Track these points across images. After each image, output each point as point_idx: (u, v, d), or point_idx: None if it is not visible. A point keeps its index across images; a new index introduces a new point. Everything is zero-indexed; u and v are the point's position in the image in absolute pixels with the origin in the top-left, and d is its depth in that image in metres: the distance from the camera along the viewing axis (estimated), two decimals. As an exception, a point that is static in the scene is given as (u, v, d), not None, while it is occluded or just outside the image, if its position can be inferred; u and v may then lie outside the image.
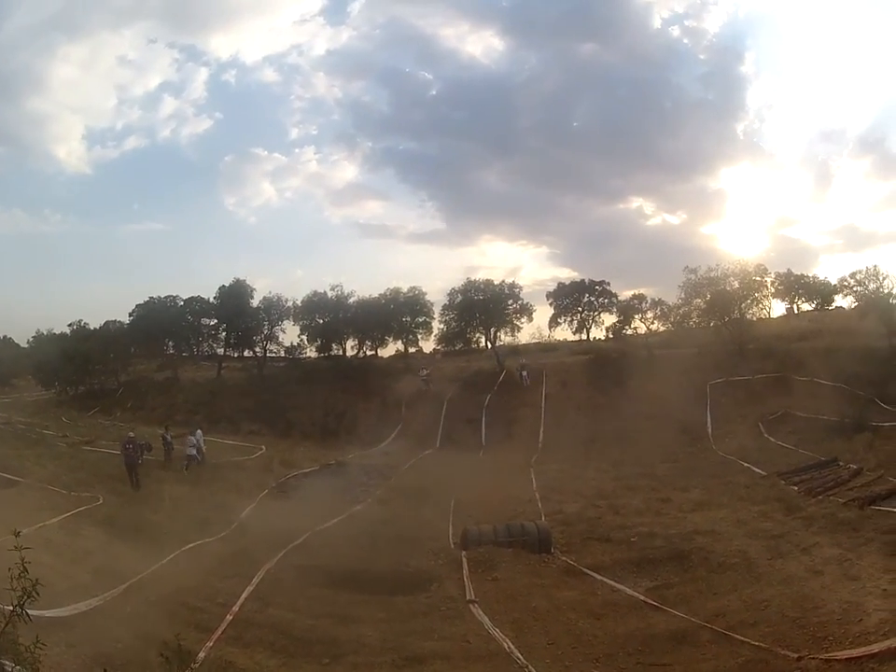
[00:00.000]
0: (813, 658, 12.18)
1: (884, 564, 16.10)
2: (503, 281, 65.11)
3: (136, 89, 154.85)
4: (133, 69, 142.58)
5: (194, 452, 35.13)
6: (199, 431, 37.06)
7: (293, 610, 16.52)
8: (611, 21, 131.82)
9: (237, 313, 66.09)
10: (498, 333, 64.29)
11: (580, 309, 67.91)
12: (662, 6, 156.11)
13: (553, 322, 67.92)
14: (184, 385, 63.74)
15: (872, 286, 51.31)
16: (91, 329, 69.73)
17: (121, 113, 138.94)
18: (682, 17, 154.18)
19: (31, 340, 72.74)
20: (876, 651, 11.65)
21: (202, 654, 13.03)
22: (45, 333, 71.08)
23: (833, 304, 65.18)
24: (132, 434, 31.22)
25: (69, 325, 70.01)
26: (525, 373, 53.21)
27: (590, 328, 68.38)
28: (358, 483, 33.80)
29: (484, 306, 63.33)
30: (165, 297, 68.89)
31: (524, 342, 67.27)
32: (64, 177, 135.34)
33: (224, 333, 68.30)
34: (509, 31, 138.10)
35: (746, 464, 32.71)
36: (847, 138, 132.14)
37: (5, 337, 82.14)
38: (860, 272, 52.84)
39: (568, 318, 67.99)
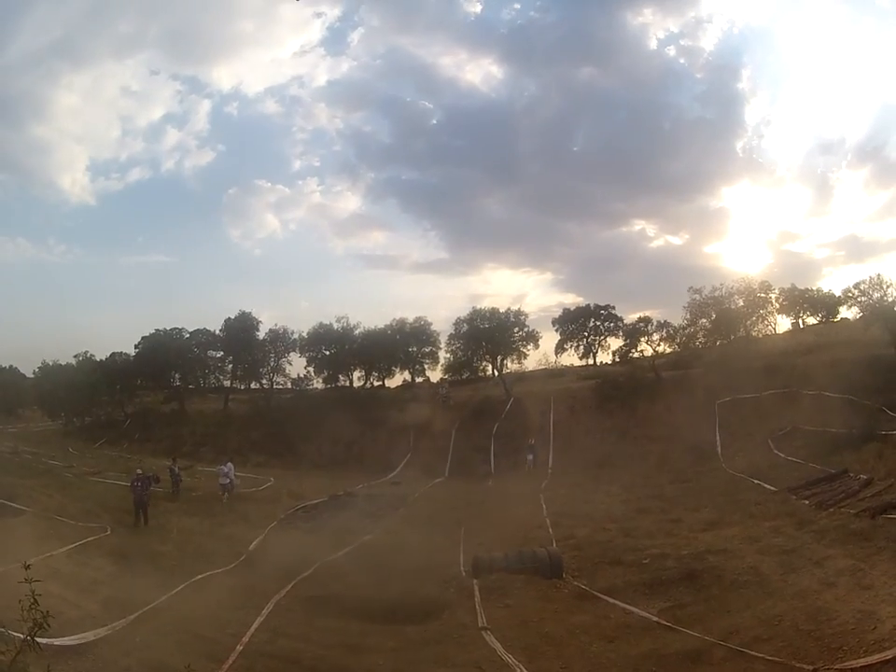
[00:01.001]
0: (828, 668, 12.07)
1: (897, 571, 15.95)
2: (508, 309, 65.79)
3: (140, 120, 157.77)
4: (137, 100, 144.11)
5: (227, 481, 35.57)
6: (230, 464, 37.09)
7: (304, 641, 16.30)
8: (608, 45, 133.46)
9: (243, 345, 67.00)
10: (505, 361, 64.44)
11: (585, 334, 68.60)
12: (657, 26, 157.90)
13: (560, 348, 68.58)
14: (191, 417, 64.29)
15: (876, 295, 51.29)
16: (98, 360, 70.46)
17: (125, 144, 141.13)
18: (678, 36, 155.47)
19: (37, 370, 72.92)
20: (891, 656, 11.53)
21: (214, 683, 12.87)
22: (51, 364, 71.49)
23: (839, 316, 65.19)
24: (139, 470, 30.47)
25: (75, 356, 70.80)
26: (530, 457, 46.97)
27: (596, 352, 69.05)
28: (368, 513, 33.54)
29: (490, 335, 63.77)
30: (171, 329, 69.67)
31: (530, 368, 67.44)
32: (69, 208, 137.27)
33: (230, 365, 69.21)
34: (507, 58, 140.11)
35: (756, 481, 32.61)
36: (846, 148, 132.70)
37: (10, 367, 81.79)
38: (863, 282, 52.89)
39: (575, 344, 68.56)
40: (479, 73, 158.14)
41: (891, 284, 51.01)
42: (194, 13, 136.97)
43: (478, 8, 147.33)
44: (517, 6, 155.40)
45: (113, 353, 72.02)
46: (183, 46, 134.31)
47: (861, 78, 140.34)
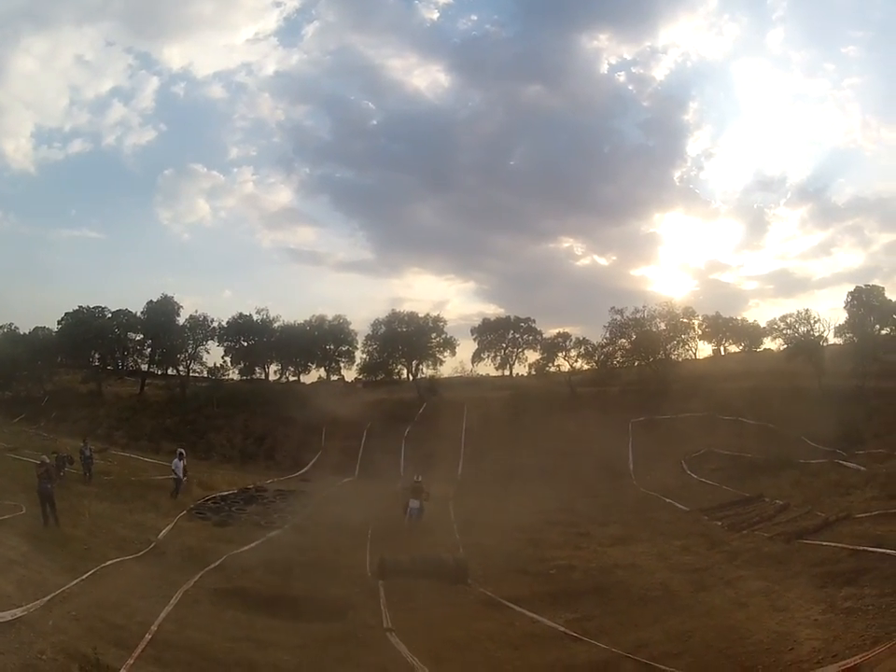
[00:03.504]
0: (744, 685, 11.75)
1: (814, 595, 15.83)
2: (428, 314, 65.72)
3: (89, 91, 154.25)
4: (89, 70, 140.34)
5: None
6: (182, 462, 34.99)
7: (210, 633, 15.90)
8: (559, 66, 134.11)
9: (163, 329, 66.12)
10: (421, 366, 64.20)
11: (504, 345, 68.14)
12: (611, 52, 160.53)
13: (477, 357, 68.19)
14: (107, 399, 63.20)
15: (802, 329, 52.31)
16: (21, 333, 69.19)
17: (71, 114, 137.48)
18: (630, 63, 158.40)
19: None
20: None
21: (122, 672, 12.50)
22: (-24, 333, 69.65)
23: (762, 347, 65.96)
24: (45, 458, 27.23)
25: (0, 327, 69.62)
26: (415, 504, 29.88)
27: (513, 364, 68.58)
28: (276, 508, 33.39)
29: (408, 338, 63.75)
30: (94, 307, 68.75)
31: (446, 375, 67.28)
32: (8, 174, 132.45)
33: (149, 349, 68.25)
34: (456, 67, 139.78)
35: (668, 500, 32.73)
36: (787, 187, 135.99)
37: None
38: (790, 315, 54.26)
39: (492, 354, 68.04)
40: (426, 79, 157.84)
41: (819, 319, 52.25)
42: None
43: (435, 16, 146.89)
44: (474, 17, 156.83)
45: (36, 327, 71.00)
46: (141, 20, 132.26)
47: (810, 122, 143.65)
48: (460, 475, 45.11)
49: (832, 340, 53.96)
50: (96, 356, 68.79)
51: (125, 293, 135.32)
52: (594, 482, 39.30)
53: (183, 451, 35.59)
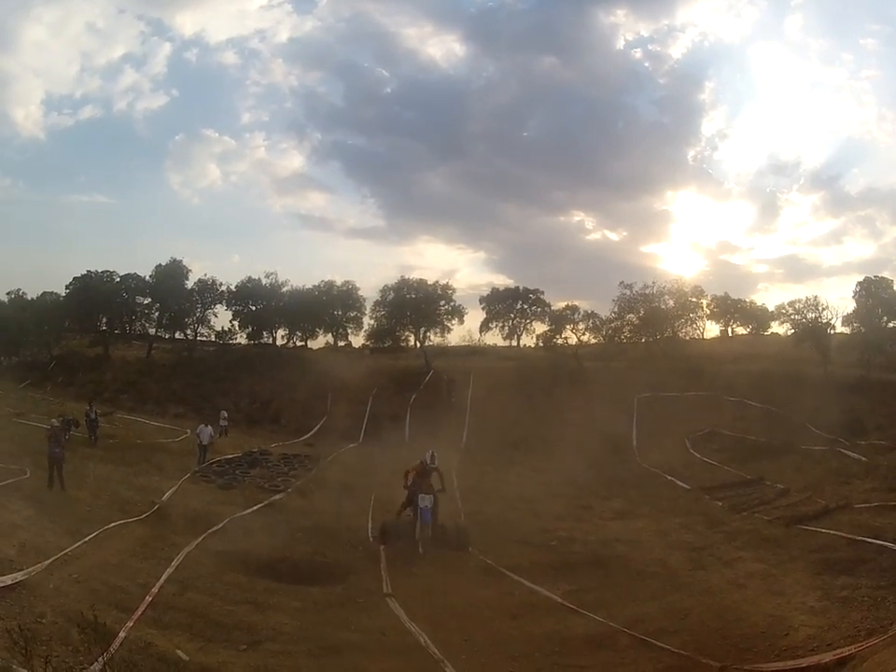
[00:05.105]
0: (737, 668, 11.89)
1: (811, 581, 15.97)
2: (437, 282, 65.43)
3: (100, 58, 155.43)
4: (100, 38, 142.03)
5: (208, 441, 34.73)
6: (208, 429, 35.68)
7: (211, 595, 16.11)
8: (575, 39, 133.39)
9: (171, 293, 65.92)
10: (428, 333, 64.20)
11: (512, 315, 68.14)
12: (628, 28, 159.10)
13: (485, 326, 68.30)
14: (114, 363, 63.43)
15: (811, 315, 52.41)
16: (29, 298, 69.62)
17: (82, 81, 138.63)
18: (647, 41, 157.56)
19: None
20: (805, 665, 11.42)
21: (122, 634, 12.46)
22: (-16, 299, 69.60)
23: (769, 330, 66.02)
24: (55, 422, 27.87)
25: (7, 293, 69.85)
26: (425, 504, 23.45)
27: (520, 334, 68.55)
28: (280, 472, 33.65)
29: (416, 305, 63.56)
30: (102, 272, 68.60)
31: (453, 343, 67.35)
32: (19, 141, 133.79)
33: (157, 313, 68.12)
34: (471, 37, 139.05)
35: (670, 477, 32.89)
36: (800, 172, 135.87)
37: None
38: (799, 301, 54.48)
39: (500, 324, 68.12)
40: (441, 48, 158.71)
41: (827, 307, 52.39)
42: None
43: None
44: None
45: (44, 292, 71.43)
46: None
47: (826, 110, 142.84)
48: (464, 444, 45.14)
49: (839, 328, 54.36)
50: (104, 320, 68.99)
51: (135, 258, 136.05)
52: (597, 455, 39.19)
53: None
